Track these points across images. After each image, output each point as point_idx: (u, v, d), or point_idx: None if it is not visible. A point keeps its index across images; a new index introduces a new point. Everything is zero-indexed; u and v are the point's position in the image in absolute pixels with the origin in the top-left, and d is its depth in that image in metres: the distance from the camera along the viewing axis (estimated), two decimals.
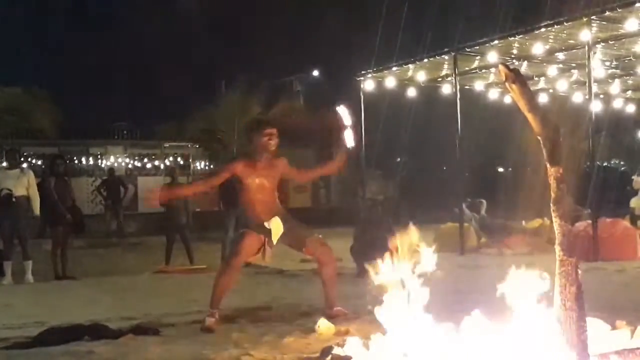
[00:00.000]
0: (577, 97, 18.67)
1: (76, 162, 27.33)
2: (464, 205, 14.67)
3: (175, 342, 5.86)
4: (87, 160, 27.44)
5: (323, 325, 5.98)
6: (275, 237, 6.61)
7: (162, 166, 27.68)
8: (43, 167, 25.49)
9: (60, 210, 11.63)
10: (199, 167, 28.59)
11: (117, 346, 5.71)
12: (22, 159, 24.17)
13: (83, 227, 12.45)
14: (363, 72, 16.99)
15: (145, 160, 28.58)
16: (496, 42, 14.20)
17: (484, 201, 15.47)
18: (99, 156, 27.60)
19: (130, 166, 27.99)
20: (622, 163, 27.49)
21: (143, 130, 28.98)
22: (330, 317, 6.44)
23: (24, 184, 11.32)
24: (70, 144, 26.72)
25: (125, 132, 29.43)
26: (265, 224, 6.59)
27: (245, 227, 6.71)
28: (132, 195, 24.39)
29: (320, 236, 7.01)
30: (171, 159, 28.13)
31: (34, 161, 26.35)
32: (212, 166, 27.76)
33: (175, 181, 13.62)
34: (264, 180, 6.72)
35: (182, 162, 28.03)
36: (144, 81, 37.25)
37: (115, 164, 26.52)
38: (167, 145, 27.86)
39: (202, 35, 35.38)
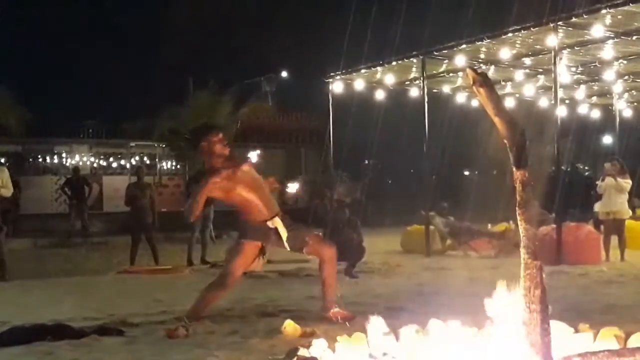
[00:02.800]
0: (543, 102, 18.88)
1: (40, 160, 27.01)
2: (434, 213, 14.80)
3: (140, 342, 5.81)
4: (52, 158, 27.12)
5: (289, 326, 5.96)
6: (284, 235, 6.38)
7: (128, 165, 27.47)
8: (7, 165, 25.14)
9: None
10: (165, 167, 28.41)
11: (81, 346, 5.65)
12: None
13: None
14: (332, 73, 17.02)
15: (111, 159, 28.31)
16: (464, 46, 14.31)
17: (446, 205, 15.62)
18: (63, 155, 27.29)
19: (95, 165, 27.72)
20: (586, 168, 27.81)
21: (109, 129, 28.70)
22: (328, 320, 6.38)
23: None
24: (35, 142, 26.39)
25: (90, 130, 29.13)
26: (269, 223, 6.38)
27: (242, 237, 6.41)
28: (96, 195, 24.18)
29: (319, 233, 6.78)
30: (137, 158, 27.91)
31: None
32: (178, 166, 27.60)
33: (141, 181, 13.52)
34: (247, 183, 6.42)
35: (148, 162, 27.82)
36: (111, 80, 36.91)
37: (80, 163, 26.23)
38: (133, 144, 27.61)
39: (171, 34, 35.14)
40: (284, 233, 6.42)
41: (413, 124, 16.08)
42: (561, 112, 14.18)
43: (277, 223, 6.43)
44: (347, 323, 6.17)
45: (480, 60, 15.51)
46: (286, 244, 6.48)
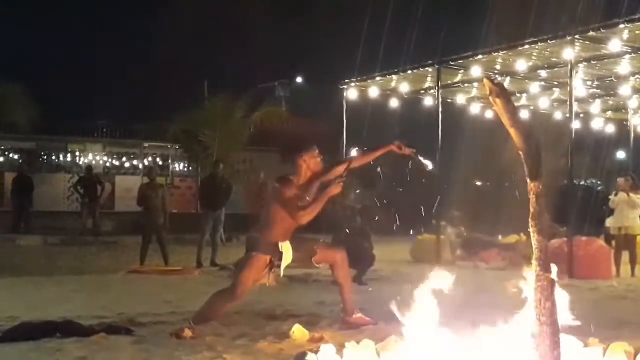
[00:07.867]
0: (558, 115, 18.83)
1: (54, 158, 27.11)
2: (445, 223, 14.78)
3: (148, 342, 5.82)
4: (65, 156, 27.20)
5: (297, 331, 5.97)
6: (284, 263, 6.23)
7: (140, 165, 27.52)
8: (20, 161, 25.32)
9: None
10: (177, 168, 28.47)
11: (89, 344, 5.67)
12: None
13: None
14: (346, 80, 17.02)
15: (124, 159, 28.35)
16: (480, 56, 14.30)
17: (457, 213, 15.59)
18: (77, 153, 27.37)
19: (108, 164, 27.78)
20: (599, 182, 27.68)
21: (123, 128, 28.78)
22: (349, 326, 6.32)
23: None
24: (48, 139, 26.48)
25: (104, 129, 29.22)
26: (280, 244, 6.21)
27: (253, 250, 6.22)
28: (108, 194, 24.23)
29: (324, 240, 6.65)
30: (150, 158, 27.98)
31: (11, 155, 26.16)
32: (190, 168, 27.67)
33: (153, 181, 13.55)
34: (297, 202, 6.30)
35: (161, 163, 27.90)
36: (127, 80, 37.09)
37: (93, 162, 26.31)
38: (146, 144, 27.67)
39: (187, 37, 35.29)
40: (287, 259, 6.26)
41: (426, 132, 16.06)
42: (575, 125, 14.12)
43: (285, 248, 6.27)
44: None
45: (495, 71, 15.47)
46: (281, 270, 6.30)
